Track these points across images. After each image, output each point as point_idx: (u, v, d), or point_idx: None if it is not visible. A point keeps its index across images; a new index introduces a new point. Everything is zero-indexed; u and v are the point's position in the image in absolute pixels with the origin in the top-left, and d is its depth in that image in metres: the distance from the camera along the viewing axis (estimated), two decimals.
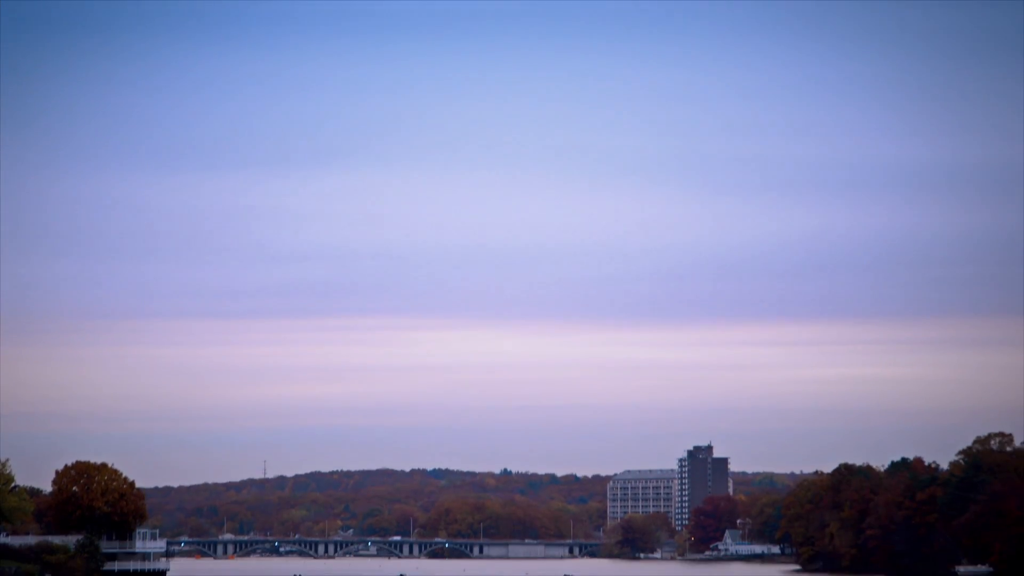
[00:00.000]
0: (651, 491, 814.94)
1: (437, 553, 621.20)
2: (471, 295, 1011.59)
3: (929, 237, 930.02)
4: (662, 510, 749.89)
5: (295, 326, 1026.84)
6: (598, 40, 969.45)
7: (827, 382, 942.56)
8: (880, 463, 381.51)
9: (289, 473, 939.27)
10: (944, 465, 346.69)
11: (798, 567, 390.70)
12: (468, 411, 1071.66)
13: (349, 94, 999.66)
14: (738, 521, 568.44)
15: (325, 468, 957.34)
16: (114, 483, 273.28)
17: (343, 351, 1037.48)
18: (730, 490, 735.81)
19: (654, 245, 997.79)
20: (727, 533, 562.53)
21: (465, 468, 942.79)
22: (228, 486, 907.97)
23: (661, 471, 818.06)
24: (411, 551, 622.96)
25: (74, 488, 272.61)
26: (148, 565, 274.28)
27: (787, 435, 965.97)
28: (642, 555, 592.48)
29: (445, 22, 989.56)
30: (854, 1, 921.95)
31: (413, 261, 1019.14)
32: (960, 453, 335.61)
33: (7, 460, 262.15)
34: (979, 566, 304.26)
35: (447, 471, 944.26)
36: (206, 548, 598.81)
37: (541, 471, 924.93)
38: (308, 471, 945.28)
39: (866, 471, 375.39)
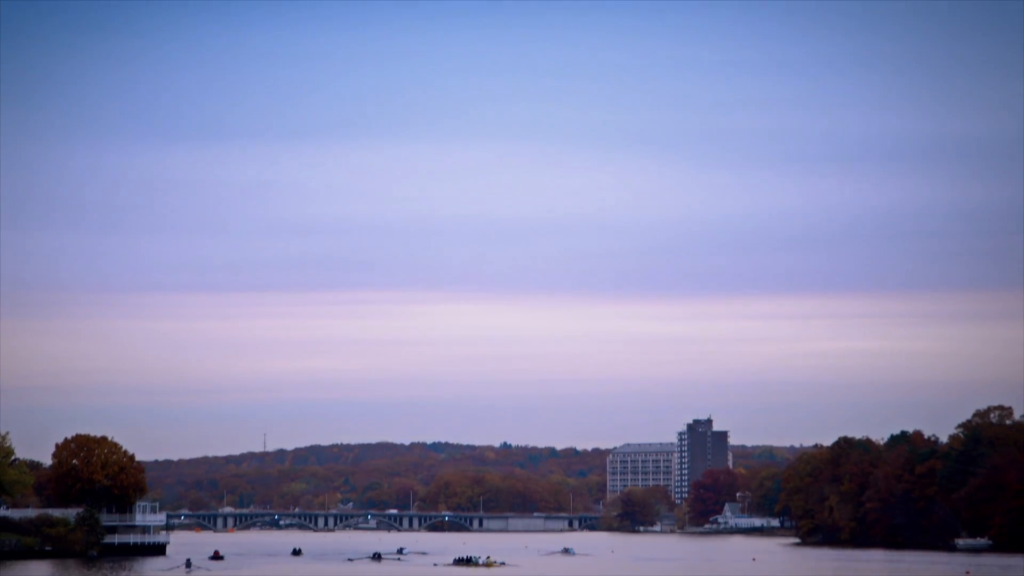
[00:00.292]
0: (651, 464, 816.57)
1: (437, 526, 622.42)
2: (471, 269, 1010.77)
3: (930, 211, 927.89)
4: (662, 483, 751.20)
5: (295, 300, 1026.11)
6: (598, 13, 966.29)
7: (827, 356, 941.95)
8: (880, 436, 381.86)
9: (289, 446, 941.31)
10: (944, 438, 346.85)
11: (797, 540, 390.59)
12: (468, 385, 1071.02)
13: (350, 69, 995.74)
14: (737, 494, 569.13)
15: (325, 441, 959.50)
16: (114, 456, 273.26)
17: (344, 325, 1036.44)
18: (730, 463, 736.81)
19: (655, 218, 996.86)
20: (727, 506, 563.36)
21: (465, 441, 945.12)
22: (228, 459, 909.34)
23: (660, 444, 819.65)
24: (411, 524, 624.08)
25: (74, 461, 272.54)
26: (148, 538, 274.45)
27: (787, 408, 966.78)
28: (641, 528, 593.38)
29: None
30: None
31: (412, 235, 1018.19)
32: (960, 426, 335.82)
33: (7, 433, 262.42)
34: (978, 539, 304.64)
35: (447, 444, 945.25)
36: (206, 521, 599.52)
37: (541, 444, 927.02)
38: (308, 444, 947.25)
39: (866, 444, 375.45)
